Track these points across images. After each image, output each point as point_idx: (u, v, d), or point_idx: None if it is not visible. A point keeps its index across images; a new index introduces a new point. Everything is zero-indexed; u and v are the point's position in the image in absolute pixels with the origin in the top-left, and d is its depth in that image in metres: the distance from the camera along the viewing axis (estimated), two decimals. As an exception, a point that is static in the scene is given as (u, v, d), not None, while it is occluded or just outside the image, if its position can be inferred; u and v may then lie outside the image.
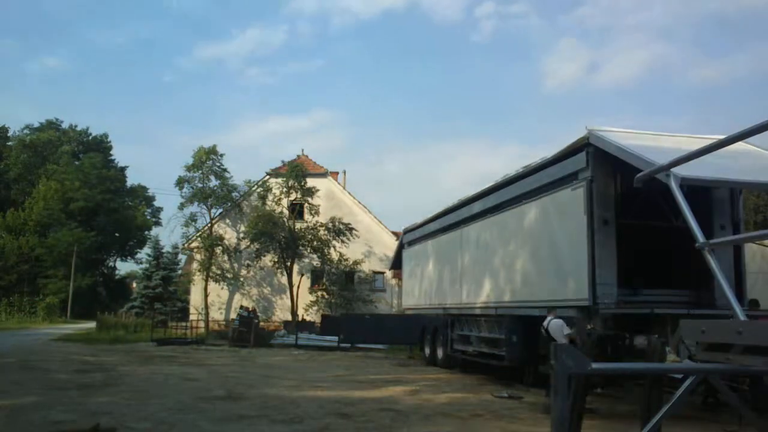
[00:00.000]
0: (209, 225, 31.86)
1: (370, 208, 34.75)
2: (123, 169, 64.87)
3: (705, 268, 3.04)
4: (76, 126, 66.04)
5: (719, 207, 10.29)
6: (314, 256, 30.47)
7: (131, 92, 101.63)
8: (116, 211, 58.86)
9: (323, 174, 34.26)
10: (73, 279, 50.11)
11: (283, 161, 31.73)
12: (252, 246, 29.51)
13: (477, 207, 14.39)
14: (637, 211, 10.26)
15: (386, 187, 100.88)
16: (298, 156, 33.85)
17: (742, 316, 2.71)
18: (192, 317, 30.89)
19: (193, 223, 31.92)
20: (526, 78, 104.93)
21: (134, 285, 56.10)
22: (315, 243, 29.65)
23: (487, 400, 10.75)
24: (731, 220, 10.39)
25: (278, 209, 30.07)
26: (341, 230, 29.63)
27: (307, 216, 30.35)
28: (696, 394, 9.01)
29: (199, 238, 31.78)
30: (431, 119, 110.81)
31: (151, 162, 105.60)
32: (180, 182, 31.49)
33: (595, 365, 2.36)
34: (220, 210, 32.65)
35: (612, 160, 9.52)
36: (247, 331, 23.26)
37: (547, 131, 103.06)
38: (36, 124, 63.99)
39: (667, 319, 8.70)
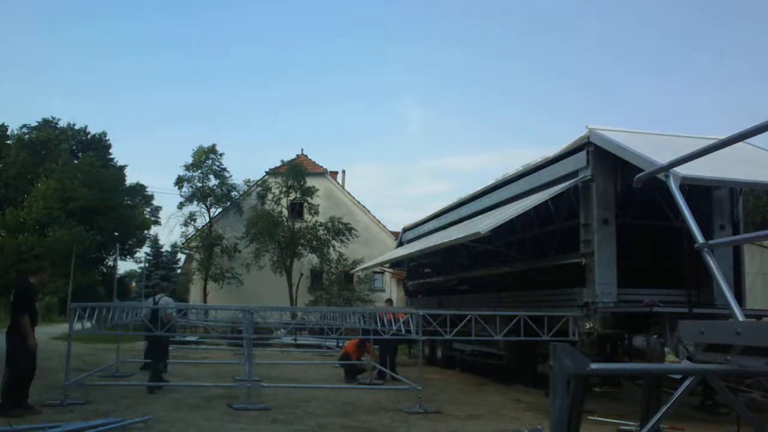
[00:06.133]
0: (208, 224, 31.83)
1: (369, 208, 34.87)
2: (122, 167, 64.83)
3: (704, 268, 3.04)
4: (74, 124, 65.97)
5: (719, 207, 10.31)
6: (313, 255, 30.44)
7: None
8: (115, 210, 58.79)
9: (322, 173, 34.27)
10: (72, 278, 50.03)
11: (282, 160, 31.72)
12: (251, 246, 29.46)
13: (476, 205, 14.37)
14: (637, 211, 10.27)
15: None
16: (298, 155, 33.85)
17: (741, 317, 2.70)
18: (191, 316, 30.80)
19: (193, 223, 31.93)
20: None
21: (133, 284, 56.05)
22: (314, 243, 29.64)
23: (486, 400, 10.75)
24: (731, 220, 10.41)
25: (278, 209, 30.05)
26: (340, 230, 29.62)
27: (306, 216, 30.34)
28: (695, 395, 9.03)
29: (198, 238, 31.74)
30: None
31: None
32: (179, 181, 31.49)
33: (594, 365, 2.35)
34: (220, 209, 32.63)
35: (612, 160, 9.54)
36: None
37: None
38: (33, 123, 63.86)
39: (665, 318, 8.70)
